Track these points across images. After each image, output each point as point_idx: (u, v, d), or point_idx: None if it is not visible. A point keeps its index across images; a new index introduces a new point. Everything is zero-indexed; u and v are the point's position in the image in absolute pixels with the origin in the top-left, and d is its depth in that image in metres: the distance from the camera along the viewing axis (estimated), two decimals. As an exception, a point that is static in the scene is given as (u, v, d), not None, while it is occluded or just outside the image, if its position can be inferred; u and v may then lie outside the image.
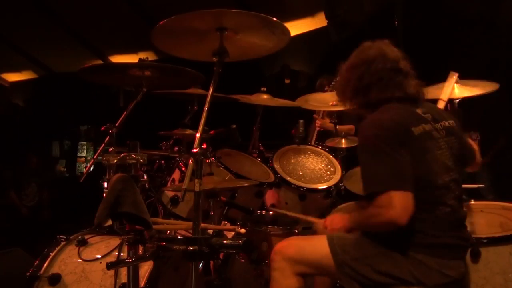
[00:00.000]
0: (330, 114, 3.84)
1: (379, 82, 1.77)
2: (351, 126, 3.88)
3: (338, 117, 3.74)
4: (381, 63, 1.78)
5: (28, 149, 7.24)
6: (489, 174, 4.22)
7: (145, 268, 1.92)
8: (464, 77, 2.69)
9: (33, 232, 5.50)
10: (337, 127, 3.53)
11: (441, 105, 2.37)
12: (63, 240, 2.16)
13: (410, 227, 1.60)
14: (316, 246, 1.77)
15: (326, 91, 3.82)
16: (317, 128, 3.89)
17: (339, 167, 2.95)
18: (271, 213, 2.55)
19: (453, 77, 2.46)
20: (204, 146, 1.47)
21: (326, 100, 3.10)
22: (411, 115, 1.75)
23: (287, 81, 6.67)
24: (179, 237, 1.72)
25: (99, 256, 2.03)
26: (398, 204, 1.55)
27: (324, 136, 3.77)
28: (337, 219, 1.88)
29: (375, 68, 1.78)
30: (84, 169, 9.60)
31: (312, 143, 3.62)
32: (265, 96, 3.20)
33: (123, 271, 1.85)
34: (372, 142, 1.67)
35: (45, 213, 6.23)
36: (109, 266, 1.37)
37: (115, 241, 2.05)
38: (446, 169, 1.71)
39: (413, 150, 1.65)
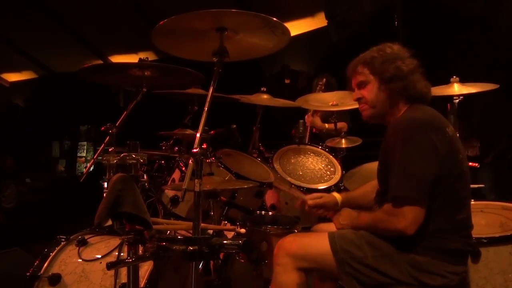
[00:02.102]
0: (328, 114, 3.83)
1: (415, 73, 1.78)
2: (342, 124, 3.87)
3: (329, 116, 3.73)
4: (413, 61, 1.80)
5: (3, 151, 7.21)
6: (491, 174, 4.23)
7: (145, 268, 1.92)
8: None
9: (27, 234, 5.46)
10: (327, 126, 3.53)
11: None
12: (63, 240, 2.16)
13: (427, 229, 1.62)
14: (318, 243, 1.77)
15: (318, 91, 3.83)
16: (307, 125, 3.88)
17: (339, 167, 2.95)
18: (270, 213, 2.55)
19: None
20: (204, 146, 1.47)
21: (326, 100, 3.10)
22: (441, 115, 1.76)
23: (287, 81, 6.68)
24: (179, 237, 1.71)
25: (99, 256, 2.03)
26: (410, 216, 1.58)
27: (316, 136, 3.78)
28: (345, 215, 1.89)
29: (410, 62, 1.79)
30: (84, 169, 9.60)
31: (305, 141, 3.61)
32: (265, 96, 3.19)
33: (123, 271, 1.85)
34: (404, 144, 1.63)
35: (39, 216, 6.16)
36: (109, 266, 1.37)
37: (115, 241, 2.05)
38: (468, 170, 1.74)
39: (449, 151, 1.65)
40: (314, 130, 3.87)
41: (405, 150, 1.63)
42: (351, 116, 3.89)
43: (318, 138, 3.70)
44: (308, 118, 3.85)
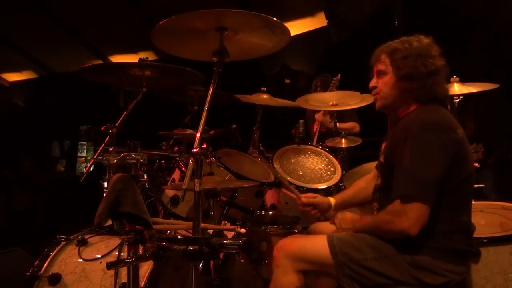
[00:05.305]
0: (330, 114, 3.83)
1: (435, 75, 1.75)
2: (353, 124, 3.87)
3: (339, 116, 3.73)
4: (440, 60, 1.78)
5: (22, 152, 7.21)
6: (492, 174, 4.23)
7: (145, 268, 1.92)
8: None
9: (27, 234, 5.46)
10: (338, 125, 3.52)
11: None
12: (63, 240, 2.16)
13: (430, 231, 1.61)
14: (317, 245, 1.77)
15: (318, 91, 3.83)
16: (316, 125, 3.86)
17: (339, 167, 2.95)
18: (270, 213, 2.55)
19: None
20: (204, 146, 1.47)
21: (326, 100, 3.10)
22: (452, 117, 1.75)
23: (287, 81, 6.68)
24: (179, 237, 1.71)
25: (99, 256, 2.03)
26: (413, 215, 1.56)
27: (325, 135, 3.77)
28: (347, 219, 1.88)
29: (434, 61, 1.75)
30: (84, 169, 9.61)
31: (314, 143, 3.61)
32: (265, 96, 3.19)
33: (123, 271, 1.85)
34: (414, 143, 1.62)
35: (39, 216, 6.19)
36: (109, 266, 1.37)
37: (115, 241, 2.05)
38: (474, 173, 1.74)
39: (458, 152, 1.64)
40: (323, 129, 3.86)
41: (414, 149, 1.61)
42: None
43: (327, 137, 3.69)
44: (319, 117, 3.82)
